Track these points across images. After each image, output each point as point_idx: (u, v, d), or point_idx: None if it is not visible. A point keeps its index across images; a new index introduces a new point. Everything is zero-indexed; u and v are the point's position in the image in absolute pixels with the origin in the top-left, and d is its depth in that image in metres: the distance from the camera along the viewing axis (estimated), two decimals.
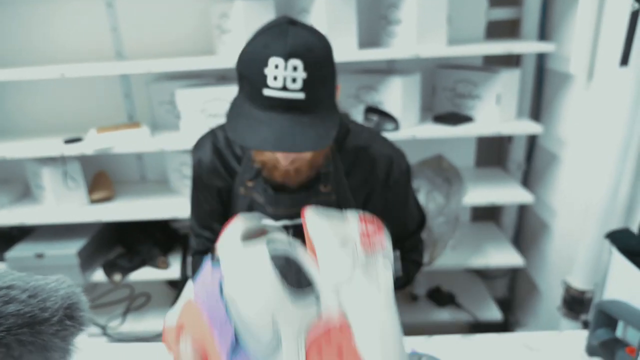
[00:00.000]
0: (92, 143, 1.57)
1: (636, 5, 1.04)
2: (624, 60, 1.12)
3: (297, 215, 1.02)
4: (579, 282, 1.26)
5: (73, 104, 1.87)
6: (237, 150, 1.06)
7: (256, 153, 0.94)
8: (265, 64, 0.78)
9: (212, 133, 1.10)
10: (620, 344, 0.77)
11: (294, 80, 0.78)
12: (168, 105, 1.72)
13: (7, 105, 1.88)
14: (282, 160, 0.86)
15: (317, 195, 1.01)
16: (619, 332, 0.83)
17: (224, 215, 1.11)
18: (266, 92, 0.79)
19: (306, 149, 0.80)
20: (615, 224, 1.22)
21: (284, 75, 0.77)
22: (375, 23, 1.65)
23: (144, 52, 1.78)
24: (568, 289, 1.27)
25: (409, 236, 1.12)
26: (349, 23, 1.46)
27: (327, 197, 1.01)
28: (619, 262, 0.84)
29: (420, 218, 1.14)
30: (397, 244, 1.11)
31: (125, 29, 1.76)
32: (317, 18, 1.44)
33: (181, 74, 1.77)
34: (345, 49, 1.46)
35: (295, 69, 0.77)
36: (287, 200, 1.00)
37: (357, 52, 1.47)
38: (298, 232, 1.03)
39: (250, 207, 1.04)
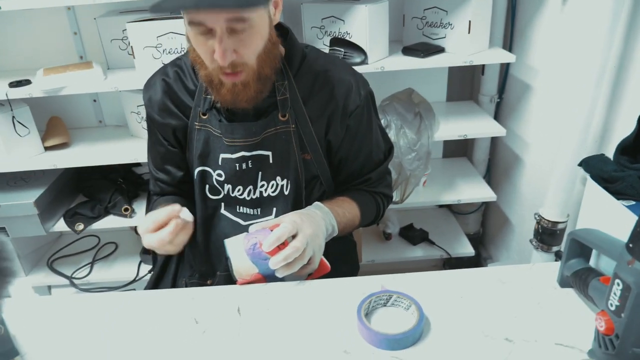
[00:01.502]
0: (40, 85, 1.46)
1: None
2: None
3: (255, 145, 0.97)
4: (551, 214, 1.24)
5: (18, 44, 1.72)
6: (189, 83, 0.99)
7: (199, 67, 0.87)
8: None
9: (162, 70, 1.03)
10: (593, 273, 0.75)
11: None
12: (120, 42, 1.60)
13: None
14: (221, 58, 0.79)
15: (275, 124, 0.95)
16: (592, 262, 0.81)
17: (182, 159, 1.05)
18: None
19: (227, 5, 0.73)
20: (588, 154, 1.20)
21: None
22: None
23: None
24: (540, 220, 1.26)
25: (375, 167, 1.08)
26: None
27: (286, 127, 0.96)
28: (593, 190, 0.81)
29: (386, 147, 1.10)
30: (364, 176, 1.08)
31: None
32: None
33: (132, 5, 1.64)
34: None
35: None
36: (243, 129, 0.95)
37: None
38: (256, 163, 0.98)
39: (207, 141, 0.98)
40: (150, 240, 0.84)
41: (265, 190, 1.00)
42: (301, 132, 0.97)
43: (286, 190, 1.00)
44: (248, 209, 1.02)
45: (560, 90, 1.41)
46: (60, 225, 1.70)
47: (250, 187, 1.00)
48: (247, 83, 0.86)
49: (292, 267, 0.83)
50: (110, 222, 1.71)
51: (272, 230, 0.84)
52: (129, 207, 1.69)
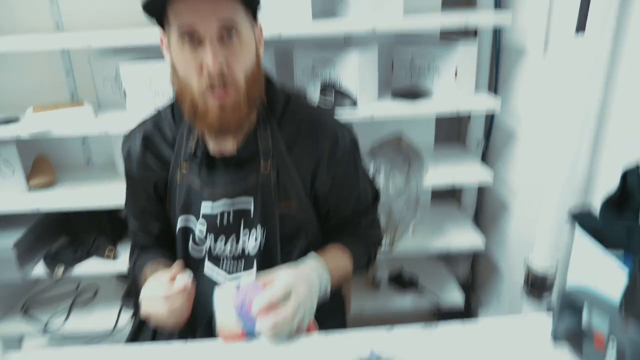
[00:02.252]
0: (29, 124, 1.45)
1: None
2: (581, 26, 1.10)
3: (237, 195, 0.93)
4: (540, 262, 1.24)
5: (9, 81, 1.72)
6: (167, 132, 0.97)
7: (184, 93, 0.84)
8: None
9: (141, 123, 1.01)
10: (586, 333, 0.73)
11: None
12: (113, 82, 1.61)
13: None
14: (212, 62, 0.78)
15: (257, 172, 0.93)
16: (585, 316, 0.79)
17: (161, 213, 1.02)
18: None
19: None
20: (574, 201, 1.21)
21: None
22: None
23: (85, 23, 1.65)
24: (529, 268, 1.25)
25: (364, 212, 1.07)
26: None
27: (267, 176, 0.93)
28: (582, 243, 0.81)
29: (373, 191, 1.09)
30: (353, 222, 1.07)
31: None
32: None
33: (126, 47, 1.66)
34: (299, 20, 1.39)
35: None
36: (223, 179, 0.93)
37: (311, 23, 1.41)
38: (237, 213, 0.94)
39: (188, 195, 0.95)
40: (160, 310, 0.83)
41: (248, 240, 0.96)
42: (286, 181, 0.95)
43: (267, 241, 0.96)
44: (230, 267, 0.98)
45: (544, 136, 1.44)
46: (39, 270, 1.63)
47: (233, 236, 0.96)
48: (236, 104, 0.83)
49: (280, 332, 0.80)
50: (90, 267, 1.65)
51: (264, 287, 0.81)
52: (112, 248, 1.64)
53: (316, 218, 1.02)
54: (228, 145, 0.92)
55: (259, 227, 0.95)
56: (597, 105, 1.16)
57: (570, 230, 1.20)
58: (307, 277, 0.86)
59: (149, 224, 1.04)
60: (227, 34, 0.79)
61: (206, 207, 0.94)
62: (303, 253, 0.99)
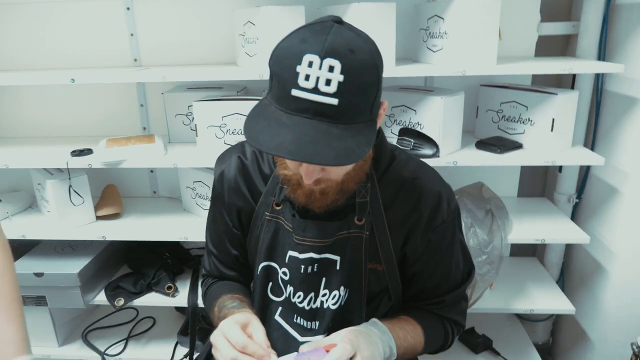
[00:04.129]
0: (101, 156, 1.44)
1: None
2: None
3: (325, 248, 0.87)
4: None
5: (86, 111, 1.75)
6: (265, 168, 0.93)
7: (280, 165, 0.82)
8: (299, 61, 0.66)
9: (239, 147, 0.97)
10: None
11: (327, 82, 0.65)
12: (184, 117, 1.59)
13: (16, 111, 1.78)
14: (306, 177, 0.74)
15: (349, 227, 0.87)
16: None
17: (241, 242, 0.98)
18: (295, 92, 0.66)
19: (327, 162, 0.65)
20: None
21: (317, 75, 0.65)
22: (414, 35, 1.49)
23: (162, 59, 1.67)
24: (638, 353, 1.08)
25: (451, 289, 0.95)
26: (387, 35, 1.30)
27: (359, 232, 0.87)
28: None
29: (466, 269, 0.97)
30: (437, 297, 0.96)
31: (144, 34, 1.65)
32: None
33: (200, 84, 1.64)
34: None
35: (331, 69, 0.65)
36: (315, 229, 0.87)
37: (394, 68, 1.31)
38: (322, 267, 0.88)
39: (276, 234, 0.90)
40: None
41: (327, 300, 0.89)
42: (377, 240, 0.88)
43: (347, 302, 0.89)
44: (305, 321, 0.91)
45: None
46: (100, 298, 1.63)
47: (312, 294, 0.90)
48: (325, 192, 0.80)
49: None
50: (151, 299, 1.62)
51: (327, 351, 0.74)
52: (172, 285, 1.61)
53: (401, 283, 0.94)
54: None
55: (342, 288, 0.89)
56: None
57: None
58: (369, 337, 0.80)
59: (228, 252, 1.00)
60: None
61: (293, 253, 0.90)
62: (385, 315, 0.93)
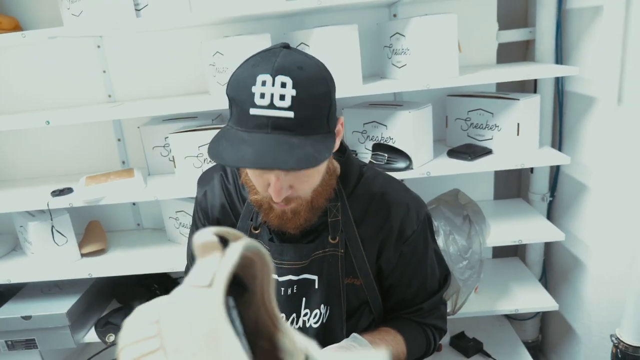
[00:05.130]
0: (82, 194, 1.45)
1: None
2: None
3: (303, 269, 0.90)
4: (630, 337, 1.10)
5: (63, 150, 1.76)
6: (244, 191, 0.96)
7: (250, 191, 0.85)
8: (254, 82, 0.72)
9: (220, 166, 1.00)
10: None
11: (282, 97, 0.71)
12: (162, 149, 1.61)
13: None
14: (275, 196, 0.76)
15: (324, 247, 0.90)
16: None
17: None
18: (253, 110, 0.72)
19: (288, 166, 0.69)
20: None
21: (271, 92, 0.71)
22: (378, 52, 1.54)
23: (135, 93, 1.69)
24: (618, 344, 1.11)
25: (428, 296, 0.98)
26: (352, 56, 1.34)
27: (335, 250, 0.90)
28: None
29: (442, 274, 1.00)
30: (415, 305, 0.98)
31: (116, 70, 1.67)
32: (317, 53, 1.33)
33: (175, 115, 1.67)
34: (349, 84, 1.35)
35: (283, 85, 0.71)
36: (292, 251, 0.90)
37: (361, 87, 1.35)
38: (301, 288, 0.91)
39: None
40: None
41: (308, 319, 0.92)
42: (352, 256, 0.91)
43: (329, 319, 0.92)
44: None
45: (620, 191, 1.31)
46: (91, 336, 1.62)
47: (294, 315, 0.92)
48: (297, 212, 0.82)
49: None
50: None
51: None
52: None
53: (380, 295, 0.97)
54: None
55: (322, 306, 0.91)
56: None
57: None
58: (352, 354, 0.81)
59: None
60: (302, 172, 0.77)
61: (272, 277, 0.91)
62: (368, 328, 0.95)
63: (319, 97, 0.73)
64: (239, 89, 0.73)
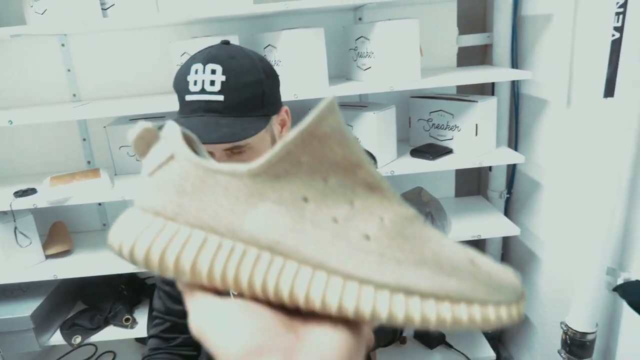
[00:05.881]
0: (46, 195, 1.43)
1: (617, 34, 1.00)
2: (609, 92, 1.07)
3: None
4: (579, 324, 1.17)
5: (26, 150, 1.73)
6: None
7: None
8: (188, 72, 0.80)
9: None
10: None
11: (212, 82, 0.78)
12: (129, 149, 1.60)
13: None
14: None
15: None
16: None
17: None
18: (188, 97, 0.80)
19: (211, 141, 0.76)
20: (611, 259, 1.16)
21: (202, 79, 0.78)
22: (344, 55, 1.58)
23: (101, 92, 1.68)
24: (567, 331, 1.19)
25: None
26: (318, 58, 1.38)
27: None
28: (632, 317, 0.76)
29: None
30: None
31: (81, 69, 1.66)
32: (285, 54, 1.36)
33: (142, 115, 1.66)
34: (316, 85, 1.38)
35: (213, 72, 0.78)
36: None
37: (328, 88, 1.39)
38: None
39: None
40: None
41: None
42: None
43: None
44: None
45: (571, 186, 1.40)
46: (56, 338, 1.60)
47: None
48: None
49: None
50: (109, 334, 1.62)
51: None
52: (130, 317, 1.61)
53: None
54: None
55: None
56: (631, 160, 1.12)
57: (607, 284, 1.14)
58: None
59: (173, 307, 1.00)
60: (236, 150, 0.82)
61: None
62: None
63: (250, 84, 0.80)
64: (178, 81, 0.82)
